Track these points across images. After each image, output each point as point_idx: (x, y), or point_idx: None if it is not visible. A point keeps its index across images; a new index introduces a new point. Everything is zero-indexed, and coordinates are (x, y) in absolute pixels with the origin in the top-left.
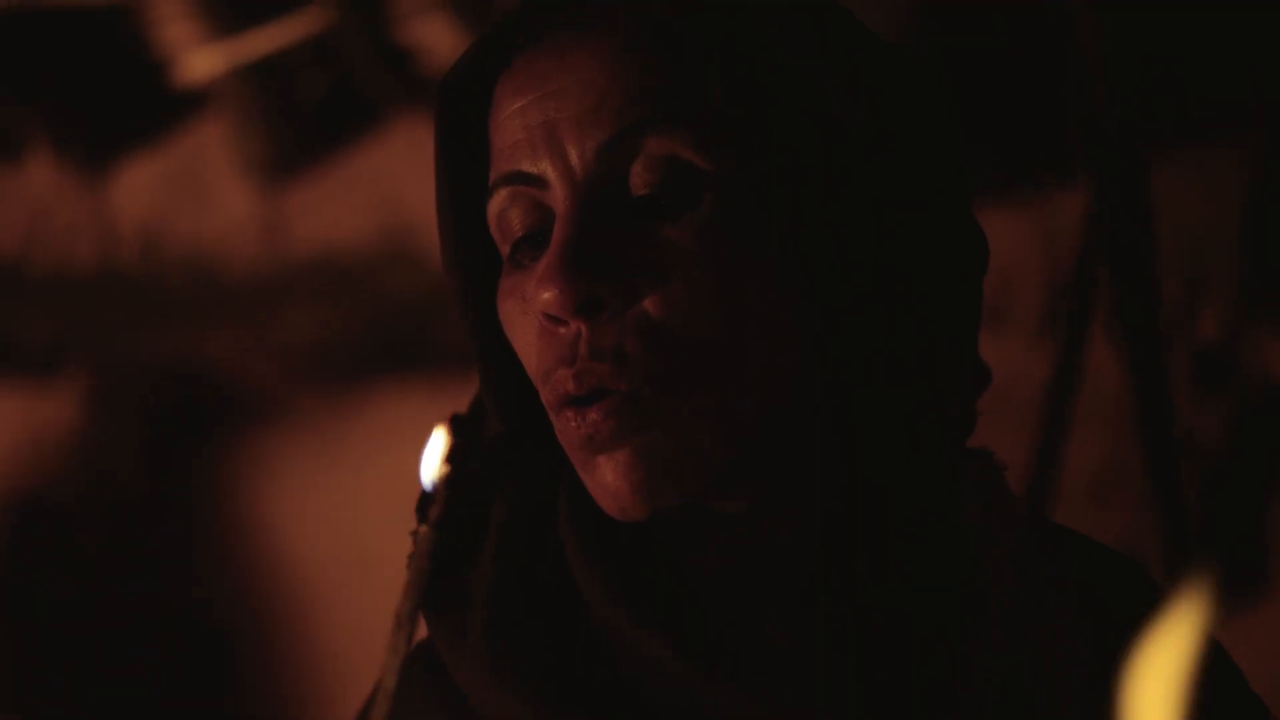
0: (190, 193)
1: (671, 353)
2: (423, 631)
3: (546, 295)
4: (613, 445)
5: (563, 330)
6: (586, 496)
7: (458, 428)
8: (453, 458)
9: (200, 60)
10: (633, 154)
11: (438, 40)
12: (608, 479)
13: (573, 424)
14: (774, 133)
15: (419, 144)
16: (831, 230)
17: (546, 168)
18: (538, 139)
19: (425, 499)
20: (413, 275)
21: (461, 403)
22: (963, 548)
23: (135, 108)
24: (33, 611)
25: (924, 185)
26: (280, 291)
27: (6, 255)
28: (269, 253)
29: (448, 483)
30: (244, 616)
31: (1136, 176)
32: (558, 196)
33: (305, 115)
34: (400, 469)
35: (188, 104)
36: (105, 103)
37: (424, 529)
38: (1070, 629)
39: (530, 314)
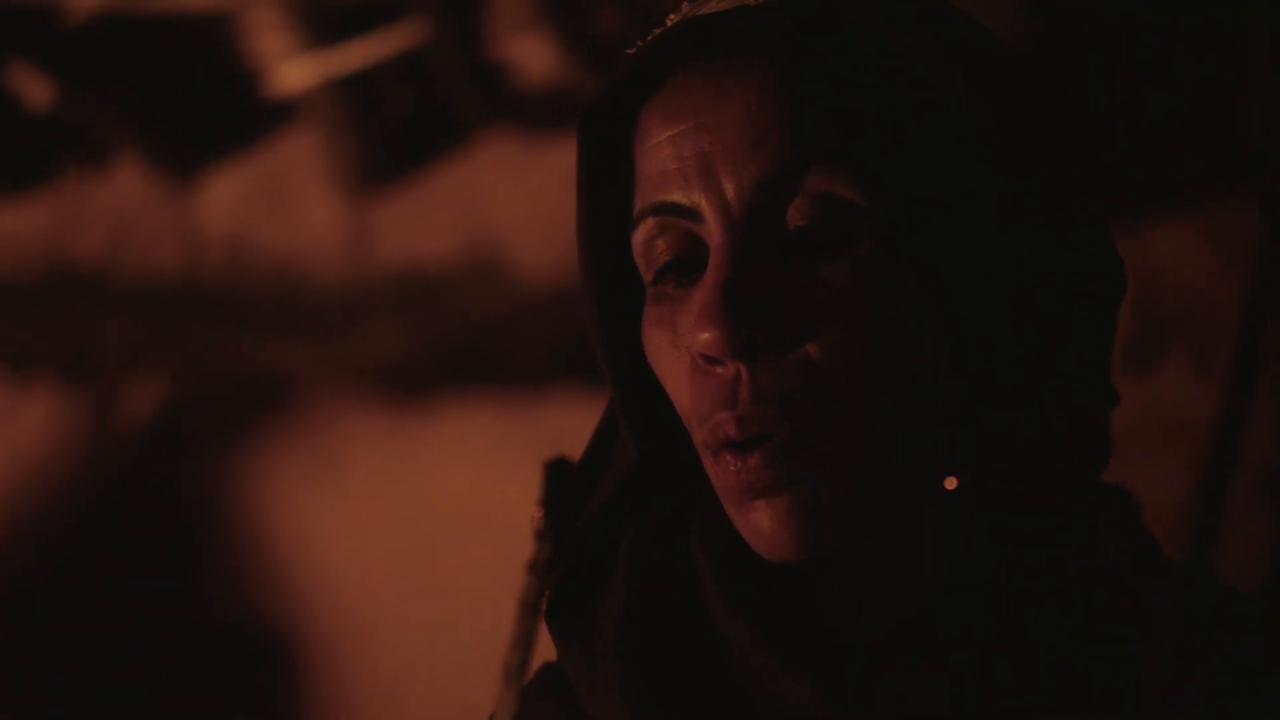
0: (276, 204)
1: (832, 397)
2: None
3: (705, 336)
4: (772, 491)
5: (719, 370)
6: (722, 530)
7: (554, 475)
8: (548, 505)
9: (291, 72)
10: (791, 191)
11: (530, 57)
12: (764, 525)
13: (732, 468)
14: (925, 164)
15: (506, 161)
16: (970, 261)
17: (701, 200)
18: (691, 170)
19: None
20: (492, 292)
21: (531, 421)
22: (1099, 593)
23: (225, 117)
24: (91, 618)
25: (1060, 208)
26: (361, 305)
27: (92, 261)
28: (352, 266)
29: (548, 530)
30: (305, 631)
31: None
32: (712, 230)
33: (394, 130)
34: (466, 485)
35: (277, 115)
36: (195, 111)
37: (529, 577)
38: (1235, 693)
39: (680, 348)
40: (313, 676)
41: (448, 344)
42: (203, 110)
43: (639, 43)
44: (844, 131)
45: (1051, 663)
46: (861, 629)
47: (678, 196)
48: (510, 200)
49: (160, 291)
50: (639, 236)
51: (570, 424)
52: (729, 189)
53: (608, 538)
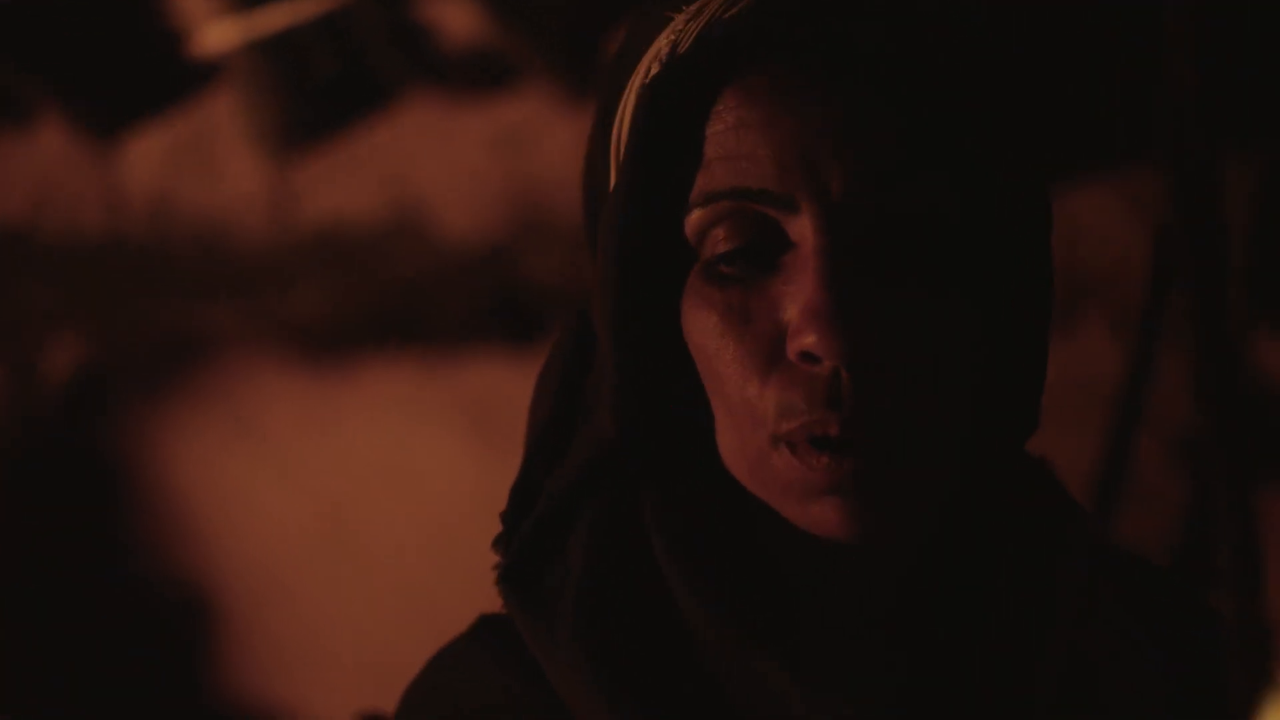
0: (200, 164)
1: (914, 407)
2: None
3: (815, 340)
4: (851, 491)
5: (815, 369)
6: (682, 512)
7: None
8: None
9: (214, 33)
10: (894, 200)
11: (454, 20)
12: (831, 517)
13: (818, 465)
14: (1003, 174)
15: (429, 123)
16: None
17: (799, 193)
18: (790, 161)
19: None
20: (414, 253)
21: (451, 382)
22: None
23: (148, 77)
24: (10, 577)
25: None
26: (283, 265)
27: (14, 221)
28: (274, 227)
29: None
30: (226, 589)
31: (1215, 169)
32: (809, 226)
33: (317, 91)
34: (387, 445)
35: (200, 76)
36: (117, 71)
37: None
38: (1139, 655)
39: (750, 335)
40: (233, 634)
41: (369, 304)
42: (125, 71)
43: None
44: (947, 138)
45: (1004, 638)
46: (830, 606)
47: (769, 184)
48: (433, 162)
49: (82, 251)
50: (702, 217)
51: (490, 384)
52: (834, 187)
53: (570, 512)
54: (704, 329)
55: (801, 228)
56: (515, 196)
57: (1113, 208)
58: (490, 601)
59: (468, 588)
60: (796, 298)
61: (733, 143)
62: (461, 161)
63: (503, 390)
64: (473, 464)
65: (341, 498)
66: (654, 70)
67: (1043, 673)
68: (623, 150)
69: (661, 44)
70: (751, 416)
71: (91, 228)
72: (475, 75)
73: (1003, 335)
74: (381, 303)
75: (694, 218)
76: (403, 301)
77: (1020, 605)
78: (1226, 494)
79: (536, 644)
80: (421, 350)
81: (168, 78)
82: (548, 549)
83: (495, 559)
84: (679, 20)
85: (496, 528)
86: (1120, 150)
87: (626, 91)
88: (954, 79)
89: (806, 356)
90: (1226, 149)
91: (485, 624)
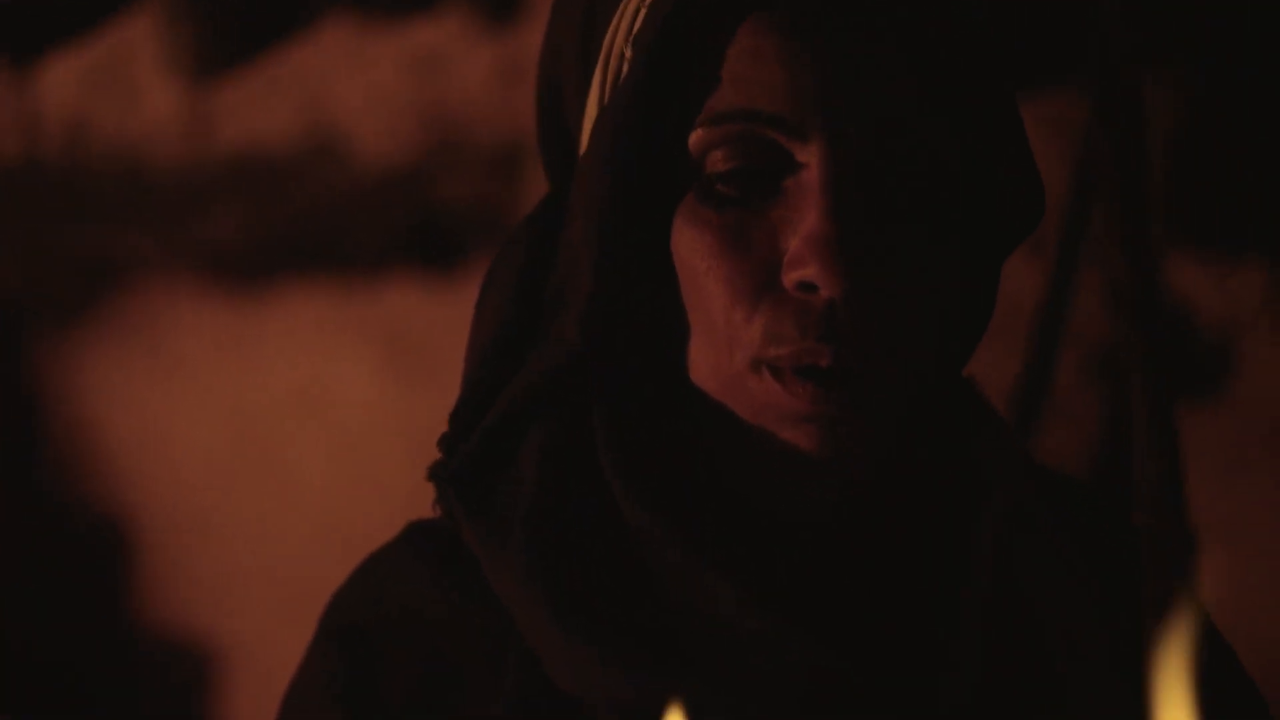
0: (116, 89)
1: (900, 343)
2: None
3: (816, 270)
4: (833, 421)
5: (810, 298)
6: (632, 422)
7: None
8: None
9: None
10: (907, 141)
11: None
12: (807, 443)
13: (802, 393)
14: (993, 116)
15: (346, 46)
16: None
17: (813, 121)
18: (808, 88)
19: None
20: (331, 177)
21: (368, 307)
22: (963, 475)
23: (63, 2)
24: None
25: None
26: (200, 190)
27: None
28: (191, 151)
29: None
30: (143, 518)
31: (1136, 91)
32: (818, 156)
33: (234, 14)
34: (303, 370)
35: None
36: None
37: None
38: (1063, 561)
39: (747, 259)
40: (152, 561)
41: (286, 229)
42: None
43: None
44: (951, 94)
45: (936, 550)
46: (778, 525)
47: (783, 110)
48: (350, 85)
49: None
50: (707, 136)
51: (407, 309)
52: (846, 121)
53: (522, 423)
54: (696, 248)
55: (809, 157)
56: (432, 120)
57: (1032, 130)
58: (401, 520)
59: (384, 510)
60: (798, 226)
61: (747, 67)
62: (378, 85)
63: (418, 315)
64: (389, 389)
65: (259, 423)
66: None
67: (972, 580)
68: (622, 62)
69: None
70: (733, 339)
71: (6, 153)
72: None
73: (973, 266)
74: (298, 227)
75: (698, 136)
76: (319, 226)
77: (951, 518)
78: (1147, 409)
79: (484, 551)
80: (338, 275)
81: (83, 2)
82: (498, 458)
83: (411, 482)
84: None
85: (412, 451)
86: (1039, 72)
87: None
88: (960, 28)
89: (804, 286)
90: (1149, 72)
91: (417, 530)
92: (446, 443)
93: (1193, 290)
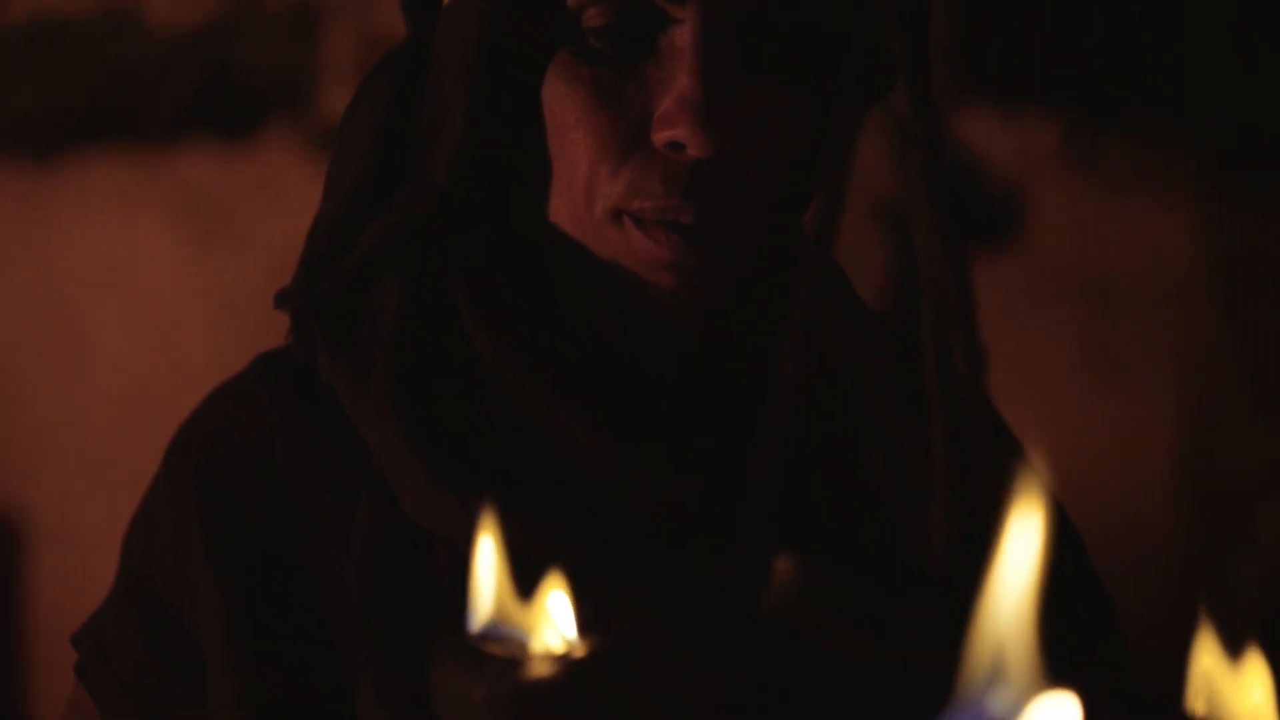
0: None
1: (758, 200)
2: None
3: (685, 131)
4: (692, 270)
5: (679, 157)
6: (488, 266)
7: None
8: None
9: None
10: (781, 7)
11: None
12: (667, 287)
13: (665, 244)
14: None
15: None
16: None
17: None
18: None
19: None
20: (124, 43)
21: (164, 174)
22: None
23: None
24: None
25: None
26: None
27: None
28: None
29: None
30: None
31: None
32: (693, 18)
33: None
34: (100, 240)
35: None
36: None
37: None
38: (875, 353)
39: (618, 115)
40: None
41: (79, 97)
42: None
43: None
44: None
45: (761, 382)
46: (629, 366)
47: None
48: None
49: None
50: None
51: (202, 176)
52: None
53: (382, 262)
54: (567, 102)
55: (685, 14)
56: None
57: None
58: (215, 381)
59: (186, 378)
60: (670, 85)
61: None
62: None
63: (217, 181)
64: (189, 256)
65: (60, 295)
66: None
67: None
68: None
69: None
70: (595, 189)
71: None
72: None
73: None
74: (93, 95)
75: None
76: (115, 93)
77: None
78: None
79: (343, 384)
80: (135, 143)
81: None
82: (357, 294)
83: (212, 348)
84: None
85: (213, 318)
86: None
87: None
88: None
89: (673, 145)
90: None
91: (265, 362)
92: (302, 275)
93: (986, 141)
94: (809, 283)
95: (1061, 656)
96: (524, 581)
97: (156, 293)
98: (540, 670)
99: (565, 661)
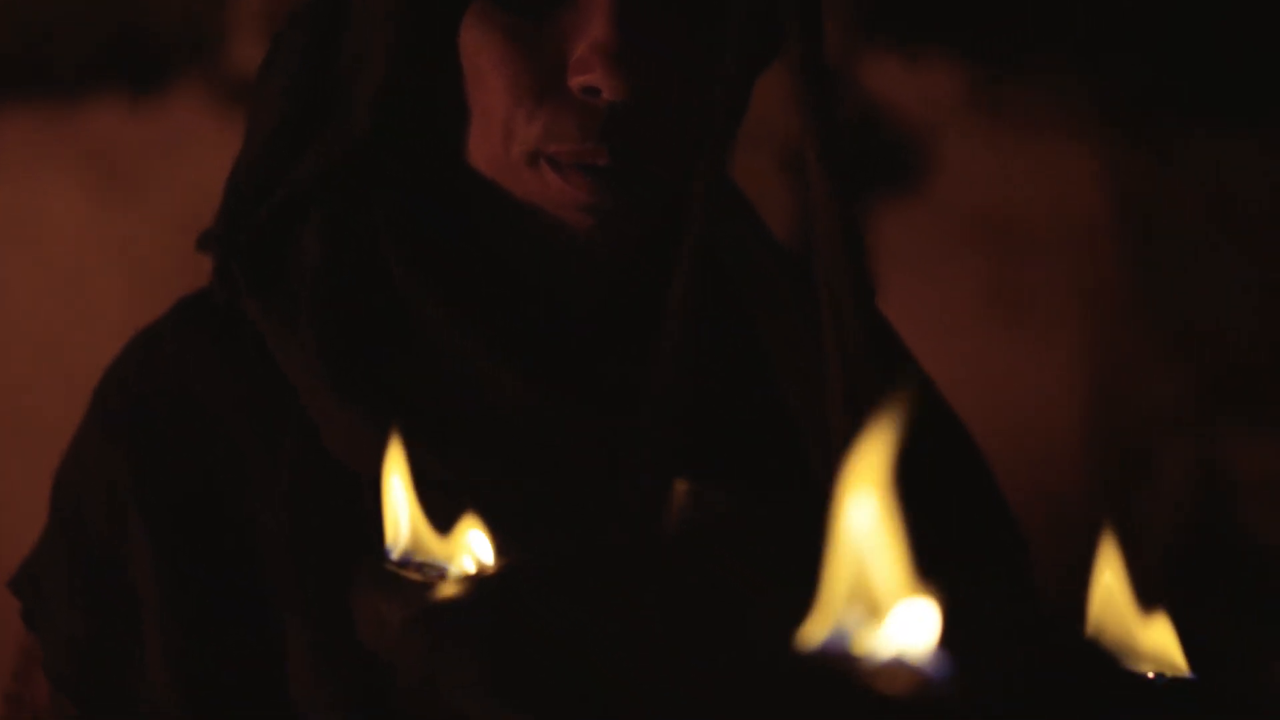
0: None
1: (669, 141)
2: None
3: (600, 76)
4: (608, 210)
5: (594, 102)
6: (410, 208)
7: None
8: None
9: None
10: None
11: None
12: (584, 226)
13: (583, 187)
14: None
15: None
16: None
17: None
18: None
19: None
20: None
21: (72, 130)
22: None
23: None
24: None
25: None
26: None
27: None
28: None
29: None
30: None
31: None
32: None
33: None
34: (7, 197)
35: None
36: None
37: None
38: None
39: (534, 62)
40: None
41: None
42: None
43: None
44: None
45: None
46: (548, 305)
47: None
48: None
49: None
50: None
51: (110, 131)
52: None
53: (304, 206)
54: (483, 49)
55: None
56: None
57: None
58: (125, 339)
59: (99, 335)
60: (585, 32)
61: None
62: None
63: (126, 136)
64: (98, 212)
65: None
66: None
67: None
68: None
69: None
70: (511, 133)
71: None
72: None
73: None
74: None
75: None
76: (21, 45)
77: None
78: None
79: (268, 325)
80: (42, 97)
81: None
82: (281, 235)
83: (124, 305)
84: None
85: (125, 274)
86: None
87: None
88: None
89: (588, 90)
90: None
91: (187, 306)
92: (225, 218)
93: (890, 86)
94: (698, 213)
95: (949, 564)
96: (438, 512)
97: (66, 246)
98: (452, 591)
99: (475, 581)
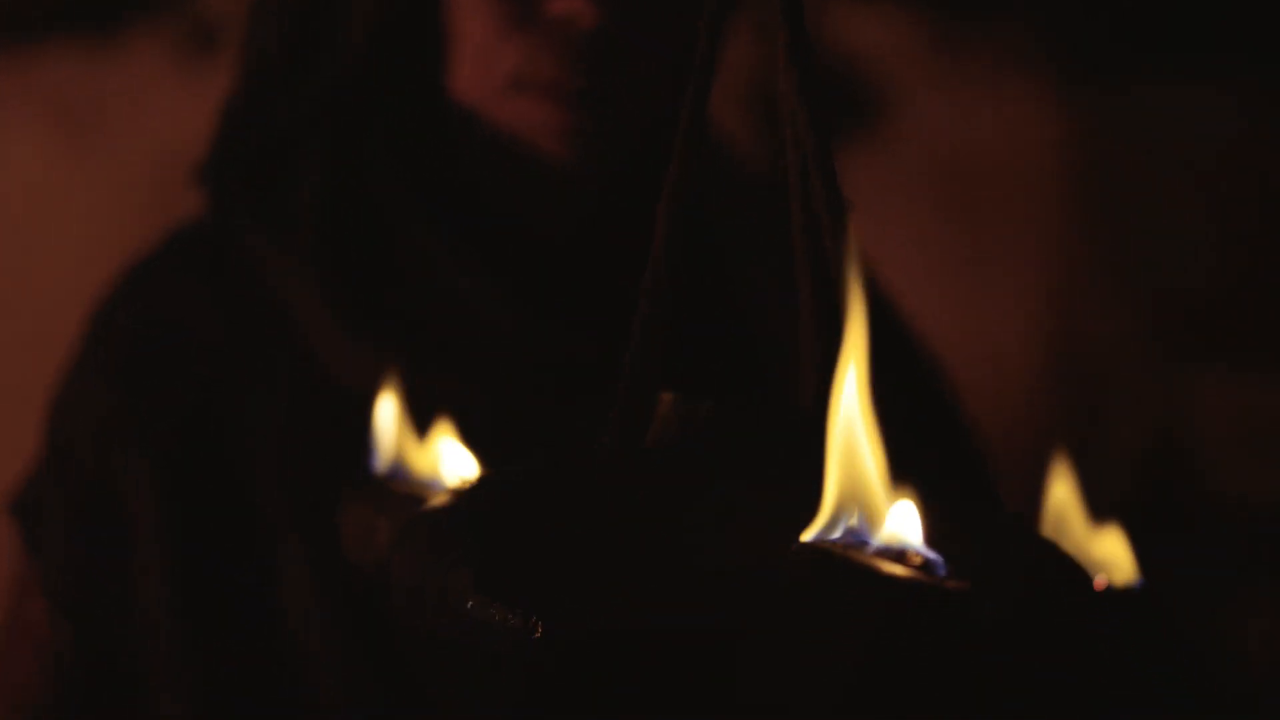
0: None
1: (651, 72)
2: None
3: (577, 4)
4: (588, 134)
5: (571, 31)
6: (403, 138)
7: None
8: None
9: None
10: None
11: None
12: (560, 149)
13: (558, 110)
14: None
15: None
16: None
17: None
18: None
19: None
20: None
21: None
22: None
23: None
24: None
25: None
26: None
27: None
28: None
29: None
30: None
31: None
32: None
33: None
34: None
35: None
36: None
37: None
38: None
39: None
40: None
41: None
42: None
43: None
44: None
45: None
46: (531, 232)
47: None
48: None
49: None
50: None
51: (68, 79)
52: None
53: (300, 137)
54: None
55: None
56: None
57: None
58: (87, 288)
59: (58, 287)
60: None
61: None
62: None
63: (84, 84)
64: (57, 161)
65: None
66: None
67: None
68: None
69: None
70: (493, 60)
71: None
72: None
73: None
74: None
75: None
76: None
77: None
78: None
79: (268, 253)
80: (1, 42)
81: None
82: (277, 163)
83: (84, 256)
84: None
85: (84, 224)
86: None
87: None
88: None
89: (566, 18)
90: None
91: (182, 240)
92: (221, 147)
93: (851, 35)
94: (683, 147)
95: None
96: (426, 428)
97: (26, 193)
98: (441, 501)
99: (463, 490)
